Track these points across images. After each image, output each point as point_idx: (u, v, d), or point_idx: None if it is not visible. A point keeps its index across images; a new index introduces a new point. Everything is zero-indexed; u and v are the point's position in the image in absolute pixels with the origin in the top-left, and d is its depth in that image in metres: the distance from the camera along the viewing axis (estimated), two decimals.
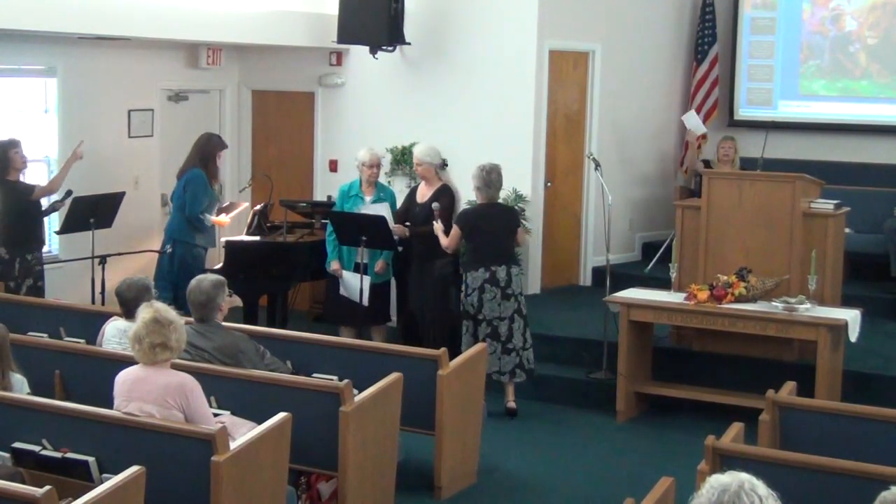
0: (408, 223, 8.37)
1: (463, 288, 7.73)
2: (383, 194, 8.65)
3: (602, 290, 8.27)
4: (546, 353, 8.52)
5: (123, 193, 8.94)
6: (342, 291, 8.47)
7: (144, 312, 5.09)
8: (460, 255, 8.19)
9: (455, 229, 7.80)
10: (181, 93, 10.37)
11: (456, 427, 6.35)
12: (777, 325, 7.32)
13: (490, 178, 7.76)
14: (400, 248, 8.40)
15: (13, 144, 8.33)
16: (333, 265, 8.52)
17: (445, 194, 8.37)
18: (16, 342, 5.65)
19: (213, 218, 8.93)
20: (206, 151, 8.94)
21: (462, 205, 8.46)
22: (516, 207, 9.31)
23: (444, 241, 7.86)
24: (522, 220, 9.48)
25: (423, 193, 8.44)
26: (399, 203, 8.66)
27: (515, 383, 7.82)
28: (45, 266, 8.57)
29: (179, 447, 4.77)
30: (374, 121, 10.27)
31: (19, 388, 5.32)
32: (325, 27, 9.91)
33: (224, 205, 9.24)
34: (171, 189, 9.39)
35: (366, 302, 8.15)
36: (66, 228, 8.63)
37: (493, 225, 7.76)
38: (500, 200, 9.42)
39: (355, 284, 8.22)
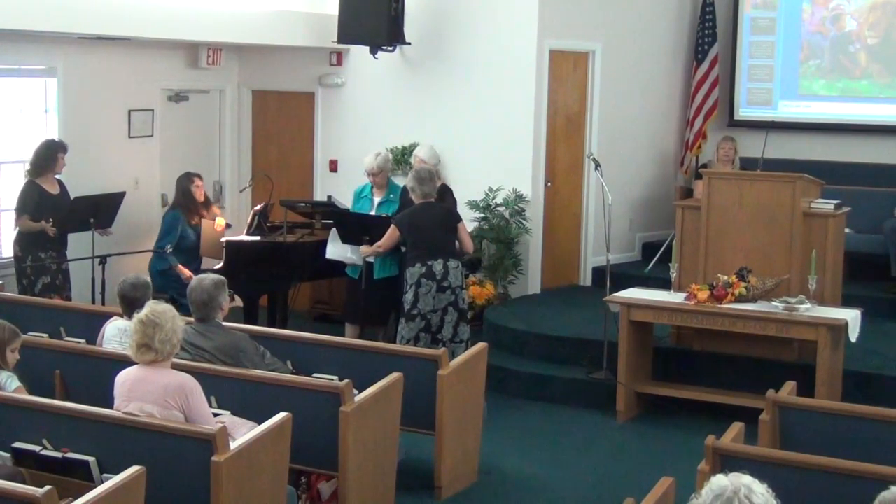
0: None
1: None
2: (393, 195, 8.66)
3: (602, 290, 8.26)
4: (546, 353, 8.53)
5: (124, 193, 8.95)
6: (329, 254, 8.51)
7: (139, 312, 5.13)
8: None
9: (391, 229, 7.83)
10: (181, 93, 10.37)
11: (456, 427, 6.35)
12: (777, 325, 7.31)
13: (420, 175, 7.80)
14: (367, 238, 8.35)
15: (63, 148, 8.50)
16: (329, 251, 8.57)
17: (449, 193, 8.44)
18: None
19: (180, 266, 8.99)
20: (180, 189, 9.19)
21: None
22: (505, 212, 9.33)
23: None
24: (522, 221, 9.51)
25: None
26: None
27: None
28: None
29: (179, 447, 4.77)
30: (374, 121, 10.28)
31: (7, 385, 5.32)
32: (325, 27, 9.92)
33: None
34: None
35: (358, 260, 8.23)
36: (66, 228, 8.65)
37: (429, 222, 7.74)
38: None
39: (343, 250, 8.33)
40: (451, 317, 7.64)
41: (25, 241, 8.40)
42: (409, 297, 7.63)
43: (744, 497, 2.97)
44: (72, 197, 8.56)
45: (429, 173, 7.86)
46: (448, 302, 7.63)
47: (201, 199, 9.29)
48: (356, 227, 8.31)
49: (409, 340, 7.51)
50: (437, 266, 7.62)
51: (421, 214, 7.79)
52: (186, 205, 9.18)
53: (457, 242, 7.82)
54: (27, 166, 8.57)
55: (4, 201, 9.08)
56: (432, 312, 7.60)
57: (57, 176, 8.56)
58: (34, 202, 8.38)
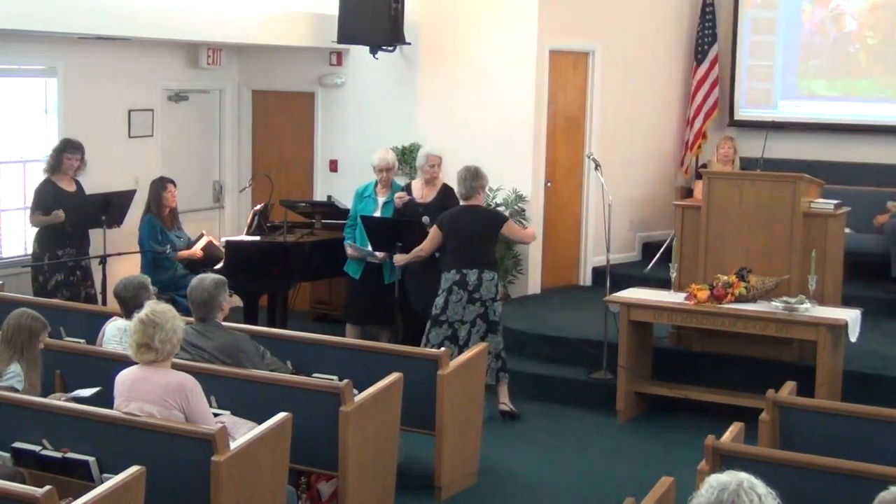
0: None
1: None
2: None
3: (602, 290, 8.27)
4: (546, 353, 8.53)
5: (134, 191, 8.97)
6: (351, 253, 8.50)
7: (139, 312, 5.13)
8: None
9: (434, 231, 7.73)
10: (181, 93, 10.37)
11: (456, 427, 6.35)
12: (777, 325, 7.31)
13: (459, 175, 7.70)
14: (399, 244, 8.37)
15: (68, 147, 8.50)
16: (349, 249, 8.53)
17: (451, 193, 8.35)
18: None
19: (183, 253, 8.91)
20: (152, 193, 8.92)
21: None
22: (505, 212, 9.29)
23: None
24: (522, 221, 9.48)
25: (425, 194, 8.43)
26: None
27: (498, 387, 7.75)
28: None
29: (179, 447, 4.77)
30: (374, 121, 10.29)
31: (11, 378, 5.32)
32: (325, 27, 9.92)
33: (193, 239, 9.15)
34: None
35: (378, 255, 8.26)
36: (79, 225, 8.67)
37: (468, 228, 7.63)
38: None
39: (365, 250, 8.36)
40: (478, 328, 7.56)
41: (43, 239, 8.43)
42: (439, 301, 7.56)
43: (748, 488, 3.02)
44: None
45: (466, 172, 7.67)
46: (477, 314, 7.55)
47: (174, 204, 8.98)
48: (387, 232, 8.26)
49: (433, 346, 7.38)
50: (472, 276, 7.53)
51: (462, 218, 7.67)
52: (158, 210, 8.86)
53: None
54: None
55: (4, 201, 9.08)
56: (460, 323, 7.53)
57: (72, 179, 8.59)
58: (48, 199, 8.42)
